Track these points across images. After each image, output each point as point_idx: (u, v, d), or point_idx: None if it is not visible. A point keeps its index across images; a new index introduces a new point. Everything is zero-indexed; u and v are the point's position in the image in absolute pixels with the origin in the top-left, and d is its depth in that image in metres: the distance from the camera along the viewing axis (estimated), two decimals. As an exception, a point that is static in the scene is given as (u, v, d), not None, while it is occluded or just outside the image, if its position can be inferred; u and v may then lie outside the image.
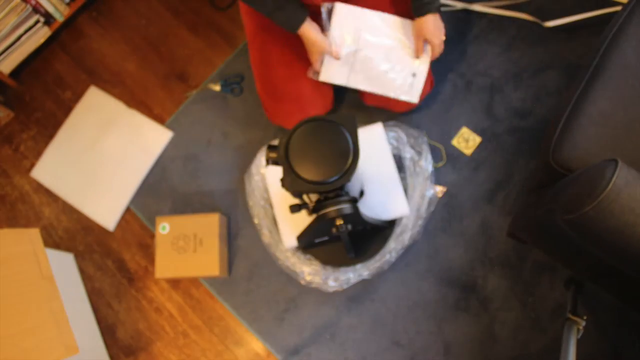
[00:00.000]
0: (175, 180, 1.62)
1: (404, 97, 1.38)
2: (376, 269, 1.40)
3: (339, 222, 1.13)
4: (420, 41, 1.31)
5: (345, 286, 1.41)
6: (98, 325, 1.53)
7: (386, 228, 1.43)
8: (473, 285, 1.43)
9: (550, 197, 1.03)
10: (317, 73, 1.37)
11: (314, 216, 1.17)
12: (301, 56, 1.38)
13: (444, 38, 1.31)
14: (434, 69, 1.50)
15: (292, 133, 1.05)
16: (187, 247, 1.44)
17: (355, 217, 1.16)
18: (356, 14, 1.33)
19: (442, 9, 1.65)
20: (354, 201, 1.15)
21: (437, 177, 1.52)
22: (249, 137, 1.63)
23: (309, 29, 1.27)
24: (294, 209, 1.16)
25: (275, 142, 1.10)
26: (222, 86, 1.69)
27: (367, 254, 1.42)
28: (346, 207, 1.12)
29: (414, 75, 1.36)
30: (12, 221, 1.64)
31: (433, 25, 1.27)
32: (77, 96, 1.74)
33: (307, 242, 1.37)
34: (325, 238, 1.34)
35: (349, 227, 1.18)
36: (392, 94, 1.38)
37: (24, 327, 1.20)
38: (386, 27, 1.34)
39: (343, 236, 1.20)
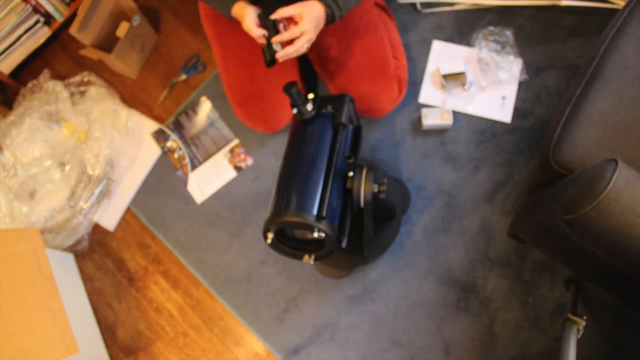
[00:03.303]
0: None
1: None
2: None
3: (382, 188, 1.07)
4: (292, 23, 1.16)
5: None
6: (98, 325, 1.53)
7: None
8: (473, 285, 1.43)
9: (550, 197, 1.03)
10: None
11: None
12: (261, 59, 1.23)
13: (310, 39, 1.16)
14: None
15: None
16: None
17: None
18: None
19: (447, 8, 1.65)
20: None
21: (439, 176, 1.52)
22: (249, 137, 1.63)
23: (241, 13, 1.17)
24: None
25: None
26: (186, 73, 1.71)
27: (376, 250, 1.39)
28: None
29: (503, 98, 1.52)
30: (12, 221, 1.64)
31: (316, 16, 1.13)
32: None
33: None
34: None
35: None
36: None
37: (24, 327, 1.20)
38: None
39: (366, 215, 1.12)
